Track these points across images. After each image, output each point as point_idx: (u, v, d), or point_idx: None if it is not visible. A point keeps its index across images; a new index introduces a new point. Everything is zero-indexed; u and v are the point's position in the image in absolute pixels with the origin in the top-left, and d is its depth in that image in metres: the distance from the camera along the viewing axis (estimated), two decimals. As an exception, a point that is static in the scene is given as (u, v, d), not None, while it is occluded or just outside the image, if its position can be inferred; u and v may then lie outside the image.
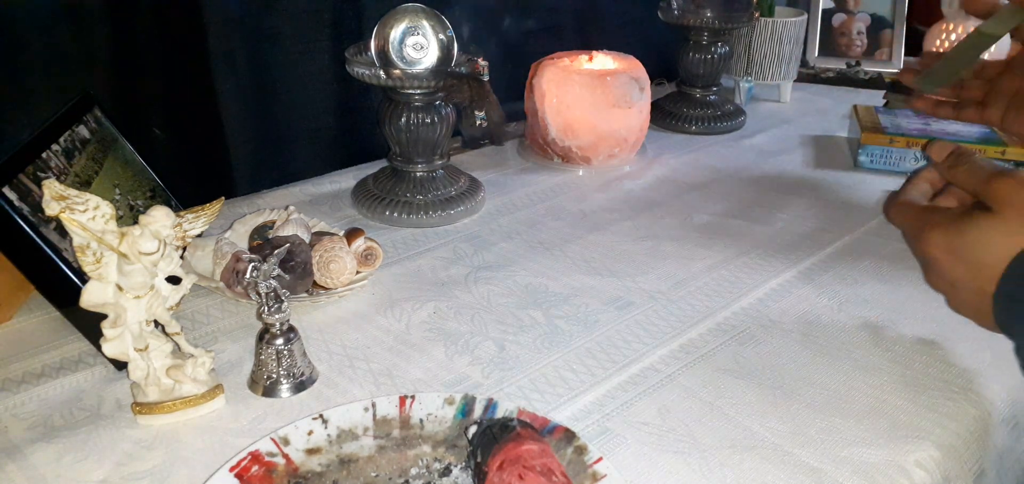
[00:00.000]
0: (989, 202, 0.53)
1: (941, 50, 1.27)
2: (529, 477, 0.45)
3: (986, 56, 0.76)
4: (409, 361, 0.63)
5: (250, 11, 0.88)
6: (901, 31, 1.36)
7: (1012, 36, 0.73)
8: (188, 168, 0.90)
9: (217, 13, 0.85)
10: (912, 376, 0.60)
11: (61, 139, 0.66)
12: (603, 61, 1.03)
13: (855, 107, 1.09)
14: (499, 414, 0.53)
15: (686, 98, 1.17)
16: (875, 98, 1.20)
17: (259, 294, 0.57)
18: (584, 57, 1.03)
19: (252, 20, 0.89)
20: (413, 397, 0.55)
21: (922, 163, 0.72)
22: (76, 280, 0.59)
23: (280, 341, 0.58)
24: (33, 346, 0.64)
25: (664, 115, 1.16)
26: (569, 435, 0.51)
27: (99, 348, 0.55)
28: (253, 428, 0.55)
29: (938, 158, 0.59)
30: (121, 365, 0.59)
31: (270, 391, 0.58)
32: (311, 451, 0.51)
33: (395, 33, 0.81)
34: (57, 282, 0.59)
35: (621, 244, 0.82)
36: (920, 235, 0.57)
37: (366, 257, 0.73)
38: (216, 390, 0.57)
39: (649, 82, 1.01)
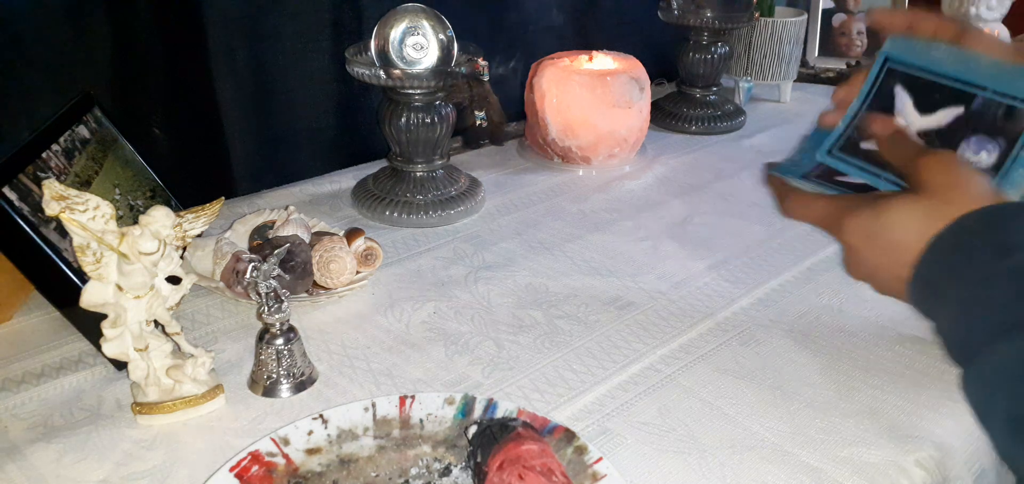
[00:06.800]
0: (914, 179, 0.53)
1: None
2: (529, 477, 0.45)
3: None
4: (409, 361, 0.62)
5: (250, 11, 0.88)
6: (901, 31, 1.35)
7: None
8: (188, 168, 0.89)
9: (217, 13, 0.85)
10: (912, 376, 0.60)
11: (61, 139, 0.66)
12: (603, 61, 1.03)
13: None
14: (499, 414, 0.53)
15: (686, 98, 1.17)
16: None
17: (259, 294, 0.57)
18: (584, 57, 1.03)
19: (252, 20, 0.89)
20: (413, 397, 0.55)
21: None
22: (76, 280, 0.59)
23: (280, 341, 0.58)
24: (33, 346, 0.64)
25: (664, 115, 1.16)
26: (569, 435, 0.51)
27: (99, 348, 0.55)
28: (253, 428, 0.55)
29: (881, 131, 0.58)
30: (121, 365, 0.59)
31: (270, 391, 0.58)
32: (311, 451, 0.51)
33: (395, 33, 0.81)
34: (57, 282, 0.59)
35: (621, 244, 0.82)
36: (837, 224, 0.56)
37: (366, 257, 0.73)
38: (216, 390, 0.57)
39: (649, 82, 1.01)
